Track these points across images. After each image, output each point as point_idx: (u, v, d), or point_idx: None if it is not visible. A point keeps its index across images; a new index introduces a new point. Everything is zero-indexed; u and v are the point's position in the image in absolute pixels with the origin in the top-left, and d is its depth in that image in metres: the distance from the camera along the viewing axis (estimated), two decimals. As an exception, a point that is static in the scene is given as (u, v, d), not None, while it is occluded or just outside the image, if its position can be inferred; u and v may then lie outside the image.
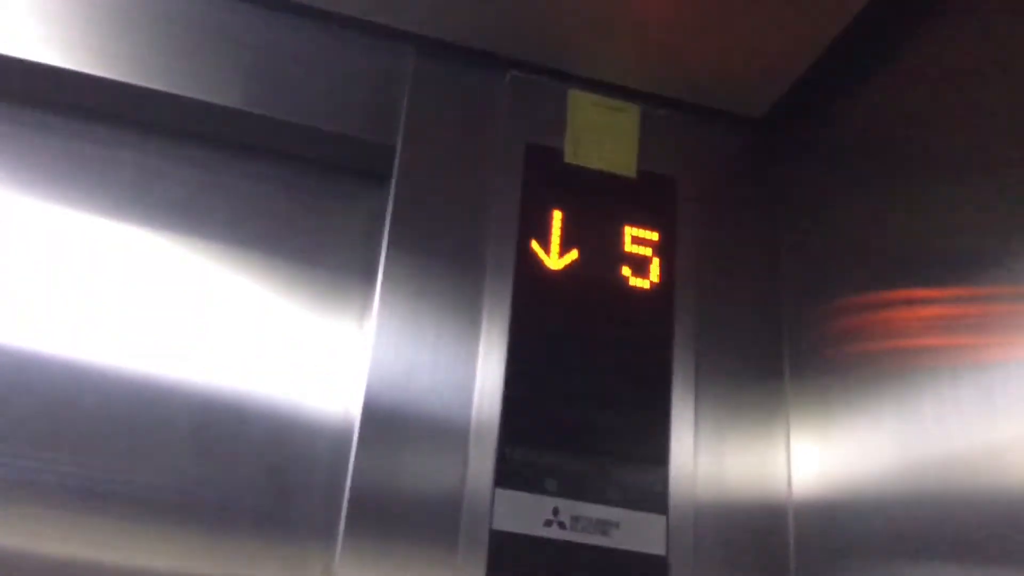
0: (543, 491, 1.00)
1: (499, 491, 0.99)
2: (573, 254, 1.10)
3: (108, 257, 1.06)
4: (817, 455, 1.06)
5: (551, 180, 1.13)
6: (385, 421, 1.00)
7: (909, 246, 0.96)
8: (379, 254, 1.06)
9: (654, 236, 1.14)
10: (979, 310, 0.86)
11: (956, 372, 0.85)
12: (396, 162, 1.10)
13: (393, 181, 1.09)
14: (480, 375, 1.03)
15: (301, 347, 1.09)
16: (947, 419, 0.86)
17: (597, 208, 1.13)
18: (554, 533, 0.98)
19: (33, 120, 1.08)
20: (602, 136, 1.17)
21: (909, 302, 0.95)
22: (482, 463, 1.00)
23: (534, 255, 1.09)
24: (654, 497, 1.02)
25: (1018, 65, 0.85)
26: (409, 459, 0.99)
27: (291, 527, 1.02)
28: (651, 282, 1.12)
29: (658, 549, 1.00)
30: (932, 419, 0.88)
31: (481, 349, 1.04)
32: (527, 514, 0.99)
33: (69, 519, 0.96)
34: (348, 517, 0.95)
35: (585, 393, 1.05)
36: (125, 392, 1.01)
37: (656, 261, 1.13)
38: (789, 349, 1.14)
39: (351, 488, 0.97)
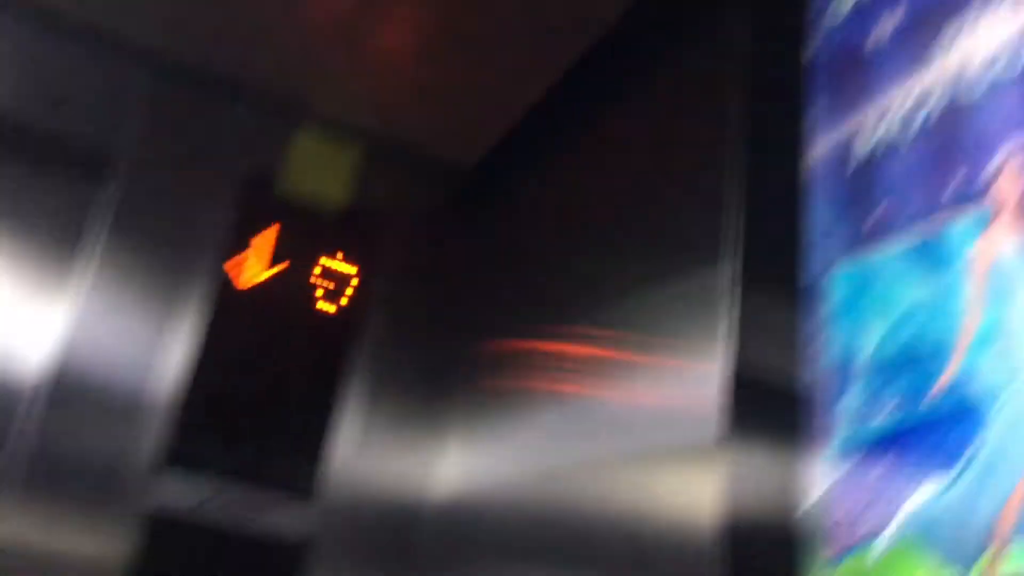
0: (204, 471, 1.12)
1: (164, 470, 1.10)
2: (271, 272, 1.23)
3: None
4: (456, 466, 1.23)
5: (264, 202, 1.26)
6: (65, 389, 1.10)
7: (576, 294, 1.11)
8: (96, 243, 1.16)
9: (352, 267, 1.28)
10: (583, 351, 1.03)
11: (561, 403, 1.02)
12: (121, 164, 1.20)
13: (116, 181, 1.19)
14: (164, 362, 1.15)
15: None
16: (549, 441, 1.03)
17: (302, 232, 1.27)
18: (210, 512, 1.11)
19: None
20: (320, 170, 1.30)
21: (539, 344, 1.11)
22: (149, 441, 1.11)
23: (235, 270, 1.21)
24: (305, 487, 1.17)
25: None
26: (86, 428, 1.09)
27: None
28: (339, 307, 1.26)
29: (303, 533, 1.15)
30: (538, 441, 1.05)
31: (169, 343, 1.16)
32: (187, 493, 1.11)
33: None
34: (9, 471, 1.05)
35: (256, 393, 1.19)
36: None
37: (350, 289, 1.27)
38: (457, 378, 1.30)
39: (16, 444, 1.06)
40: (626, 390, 0.97)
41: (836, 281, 0.79)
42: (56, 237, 1.21)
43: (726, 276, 0.85)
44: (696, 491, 0.79)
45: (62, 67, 1.20)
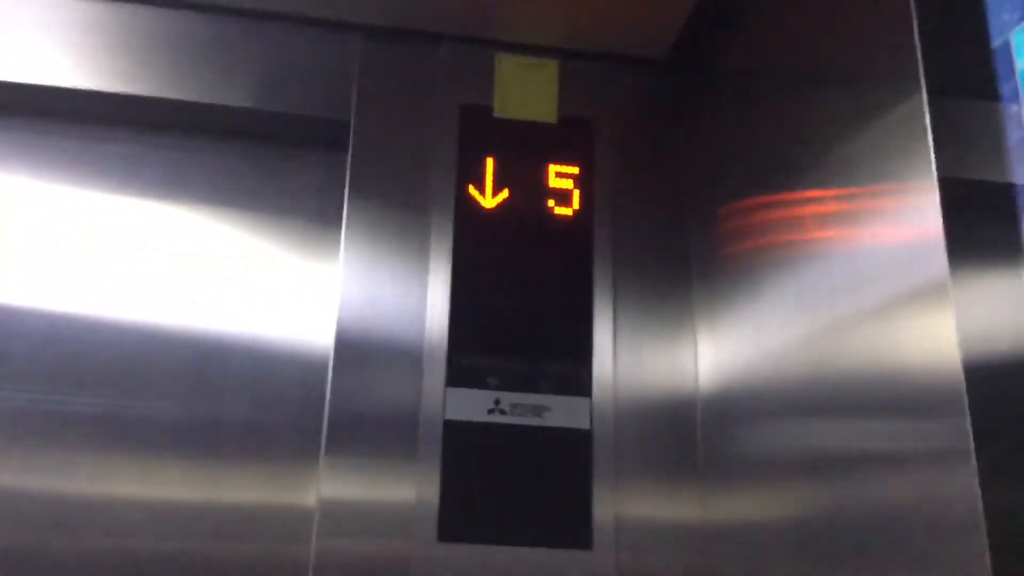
0: (486, 386, 1.24)
1: (450, 390, 1.23)
2: (504, 193, 1.32)
3: (114, 230, 1.32)
4: (719, 343, 1.26)
5: (483, 133, 1.35)
6: (355, 347, 1.24)
7: (791, 154, 1.11)
8: (341, 208, 1.30)
9: (575, 171, 1.35)
10: (842, 206, 1.01)
11: (828, 257, 1.00)
12: (351, 132, 1.33)
13: (350, 148, 1.32)
14: (430, 299, 1.27)
15: (276, 290, 1.34)
16: (820, 299, 1.02)
17: (524, 152, 1.35)
18: (496, 418, 1.23)
19: (53, 129, 1.35)
20: (526, 90, 1.38)
21: (790, 202, 1.11)
22: (435, 370, 1.24)
23: (471, 197, 1.31)
24: (579, 384, 1.26)
25: None
26: (375, 377, 1.23)
27: (275, 449, 1.26)
28: (573, 210, 1.33)
29: (584, 424, 1.24)
30: (809, 300, 1.04)
31: (430, 278, 1.28)
32: (474, 406, 1.23)
33: (92, 446, 1.23)
34: (328, 434, 1.19)
35: (518, 306, 1.28)
36: (134, 339, 1.27)
37: (577, 192, 1.34)
38: (695, 256, 1.35)
39: (329, 409, 1.20)
40: (851, 240, 0.96)
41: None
42: (310, 206, 1.37)
43: (923, 100, 0.83)
44: (932, 329, 0.80)
45: (288, 57, 1.36)
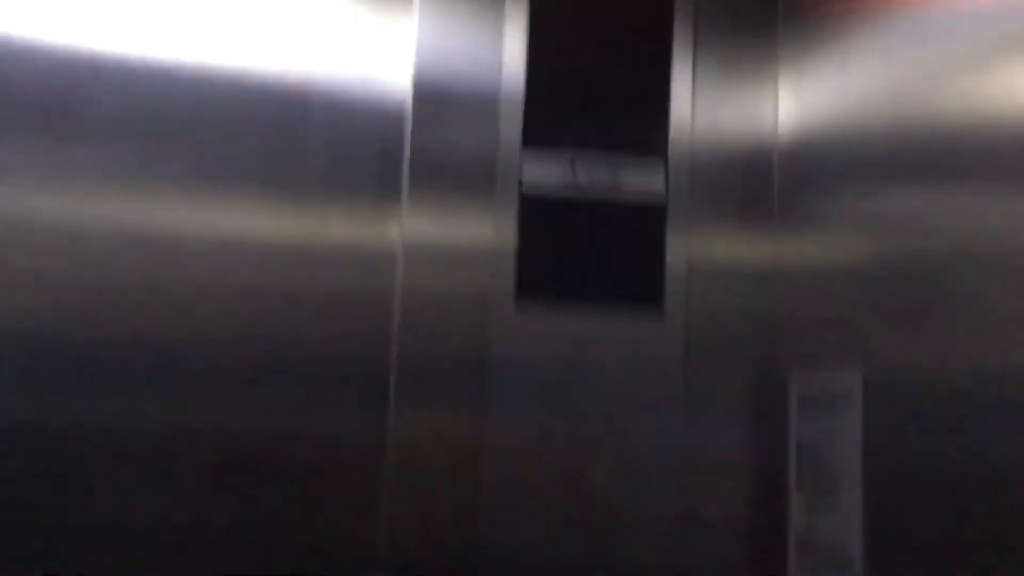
0: (562, 143, 1.23)
1: (526, 151, 1.23)
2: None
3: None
4: (801, 92, 1.23)
5: None
6: (432, 96, 1.24)
7: None
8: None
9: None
10: None
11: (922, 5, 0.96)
12: None
13: None
14: (507, 52, 1.25)
15: (354, 35, 1.30)
16: (912, 46, 0.98)
17: None
18: (570, 183, 1.23)
19: None
20: None
21: None
22: (512, 125, 1.23)
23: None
24: (656, 141, 1.24)
25: None
26: (453, 122, 1.24)
27: (359, 191, 1.27)
28: (654, -46, 1.26)
29: (659, 181, 1.23)
30: (899, 47, 1.00)
31: (506, 30, 1.25)
32: (549, 169, 1.23)
33: (174, 197, 1.24)
34: (410, 176, 1.22)
35: (595, 58, 1.25)
36: (214, 89, 1.26)
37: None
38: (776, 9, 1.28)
39: (411, 151, 1.22)
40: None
41: None
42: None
43: None
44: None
45: None
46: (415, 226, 1.22)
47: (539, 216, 1.22)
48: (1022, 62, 0.77)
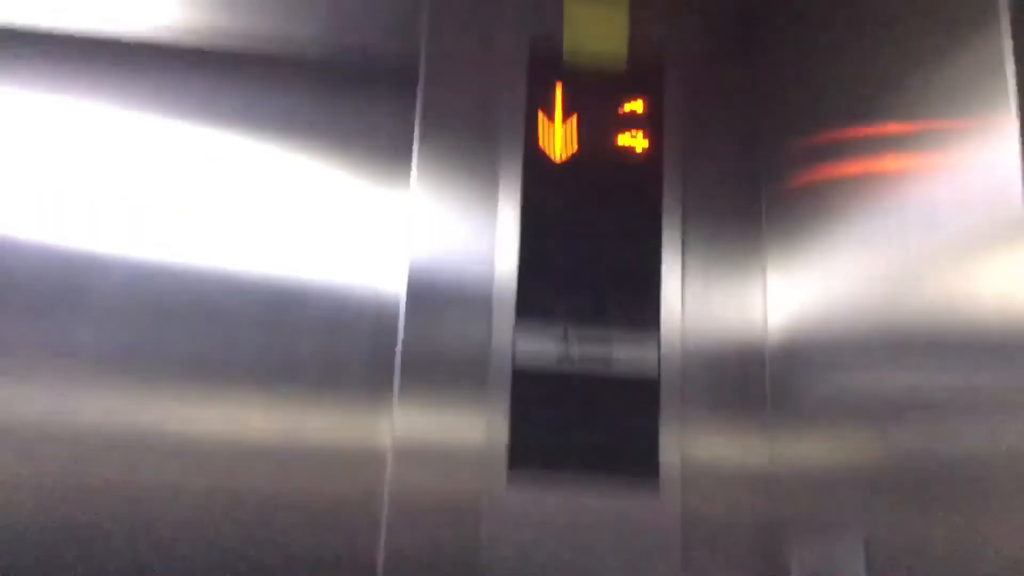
0: (555, 328, 1.25)
1: (519, 336, 1.24)
2: (573, 127, 1.31)
3: (194, 164, 1.33)
4: (789, 282, 1.25)
5: (553, 66, 1.34)
6: (426, 289, 1.26)
7: (864, 88, 1.09)
8: (411, 140, 1.31)
9: (644, 105, 1.33)
10: (916, 141, 0.98)
11: (902, 194, 0.99)
12: (422, 64, 1.33)
13: (420, 79, 1.32)
14: (499, 238, 1.28)
15: (348, 228, 1.34)
16: (892, 238, 1.00)
17: (593, 86, 1.34)
18: (564, 360, 1.23)
19: (135, 60, 1.36)
20: (596, 24, 1.36)
21: (862, 137, 1.09)
22: (504, 310, 1.25)
23: (540, 131, 1.31)
24: (647, 326, 1.26)
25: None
26: (446, 318, 1.25)
27: (349, 386, 1.28)
28: (642, 145, 1.32)
29: (651, 366, 1.25)
30: (881, 239, 1.02)
31: (499, 215, 1.28)
32: (542, 347, 1.24)
33: (169, 388, 1.25)
34: (401, 376, 1.22)
35: (587, 244, 1.28)
36: (215, 284, 1.29)
37: (646, 127, 1.33)
38: (766, 193, 1.34)
39: (403, 350, 1.23)
40: (925, 176, 0.93)
41: None
42: (382, 137, 1.36)
43: (1004, 34, 0.80)
44: (1008, 271, 0.78)
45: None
46: (406, 422, 1.21)
47: (532, 391, 1.23)
48: (1001, 254, 0.80)
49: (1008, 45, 0.80)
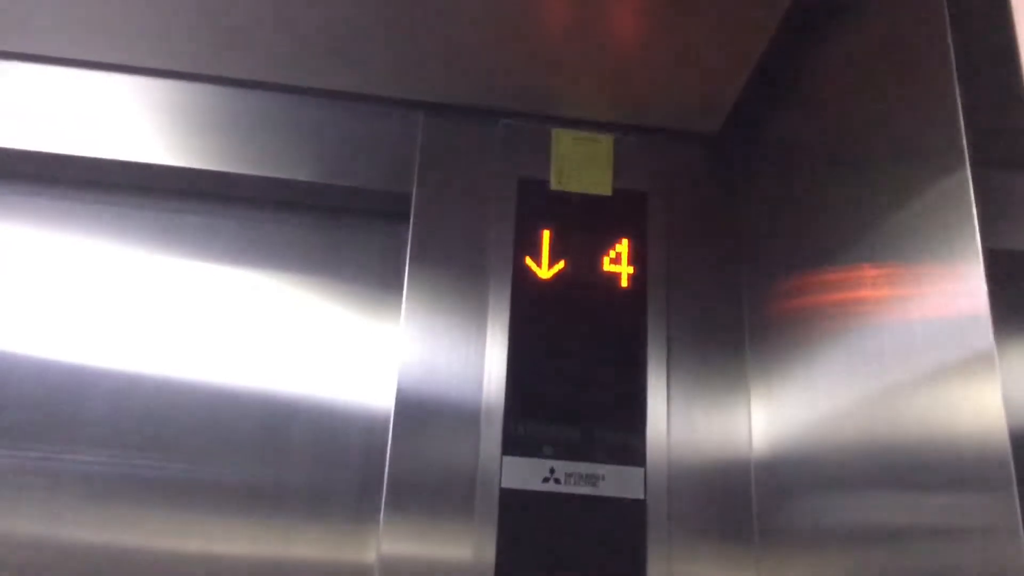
0: (542, 455, 1.26)
1: (506, 458, 1.26)
2: (560, 264, 1.36)
3: (188, 296, 1.40)
4: (772, 409, 1.27)
5: (540, 205, 1.40)
6: (414, 412, 1.28)
7: (838, 226, 1.13)
8: (403, 276, 1.35)
9: (629, 241, 1.39)
10: (889, 278, 1.02)
11: (878, 324, 1.02)
12: (413, 204, 1.39)
13: (411, 218, 1.38)
14: (487, 367, 1.31)
15: (339, 353, 1.39)
16: (871, 367, 1.02)
17: (579, 224, 1.39)
18: (551, 487, 1.25)
19: (131, 202, 1.44)
20: (581, 164, 1.42)
21: (839, 273, 1.13)
22: (492, 436, 1.27)
23: (528, 268, 1.36)
24: (633, 453, 1.28)
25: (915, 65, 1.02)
26: (434, 441, 1.27)
27: (337, 508, 1.31)
28: (627, 280, 1.37)
29: (638, 494, 1.25)
30: (860, 368, 1.05)
31: (487, 345, 1.32)
32: (529, 474, 1.25)
33: (161, 506, 1.28)
34: (388, 495, 1.23)
35: (573, 375, 1.31)
36: (203, 404, 1.33)
37: (631, 263, 1.37)
38: (749, 324, 1.37)
39: (389, 471, 1.24)
40: (900, 309, 0.96)
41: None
42: (373, 274, 1.43)
43: (967, 176, 0.86)
44: (980, 401, 0.81)
45: (353, 133, 1.43)
46: (393, 540, 1.22)
47: (518, 523, 1.23)
48: (974, 383, 0.82)
49: (971, 188, 0.85)
